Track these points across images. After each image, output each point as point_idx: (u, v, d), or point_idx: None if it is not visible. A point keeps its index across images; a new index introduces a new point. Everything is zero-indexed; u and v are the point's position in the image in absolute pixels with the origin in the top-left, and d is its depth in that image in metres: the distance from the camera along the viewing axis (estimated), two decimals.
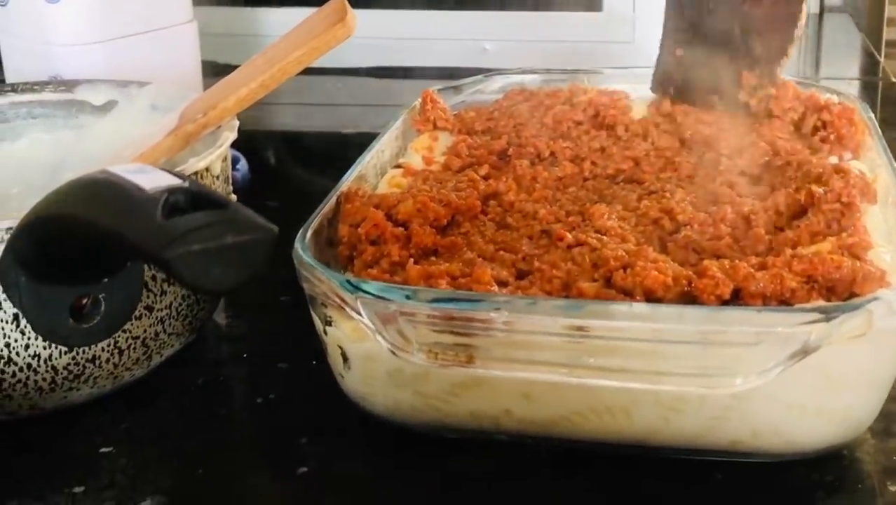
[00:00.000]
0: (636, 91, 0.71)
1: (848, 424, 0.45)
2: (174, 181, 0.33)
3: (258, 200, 0.76)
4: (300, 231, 0.49)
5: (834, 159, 0.59)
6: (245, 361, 0.57)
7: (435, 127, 0.68)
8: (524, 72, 0.76)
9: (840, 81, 1.12)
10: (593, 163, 0.61)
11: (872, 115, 0.63)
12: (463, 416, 0.46)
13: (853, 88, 1.10)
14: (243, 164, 0.78)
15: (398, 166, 0.62)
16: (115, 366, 0.51)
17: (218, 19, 1.08)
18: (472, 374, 0.44)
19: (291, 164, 0.91)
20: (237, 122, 0.58)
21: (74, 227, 0.35)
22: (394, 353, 0.43)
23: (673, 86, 0.67)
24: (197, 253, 0.30)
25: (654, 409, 0.43)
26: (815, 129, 0.63)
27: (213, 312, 0.58)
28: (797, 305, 0.42)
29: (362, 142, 0.62)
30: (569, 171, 0.61)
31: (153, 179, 0.33)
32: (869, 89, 1.09)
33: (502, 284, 0.47)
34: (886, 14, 1.34)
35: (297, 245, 0.47)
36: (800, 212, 0.52)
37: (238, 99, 0.56)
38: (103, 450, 0.49)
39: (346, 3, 0.57)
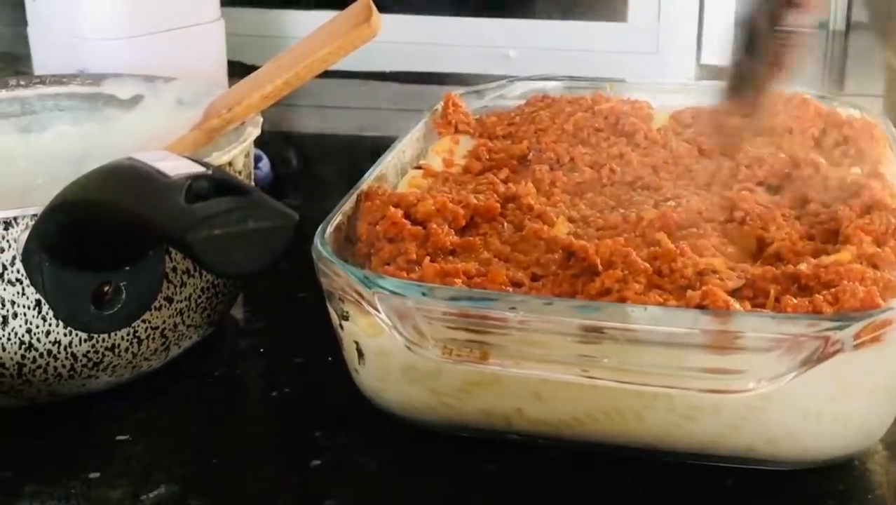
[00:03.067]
0: (658, 101, 0.71)
1: (861, 434, 0.45)
2: (197, 168, 0.34)
3: (278, 199, 0.77)
4: (320, 227, 0.49)
5: (857, 170, 0.60)
6: (261, 355, 0.57)
7: (456, 130, 0.68)
8: (547, 78, 0.76)
9: (864, 98, 1.12)
10: (612, 169, 0.62)
11: (894, 130, 0.63)
12: (475, 414, 0.47)
13: (877, 105, 1.10)
14: (265, 163, 0.79)
15: (419, 167, 0.63)
16: (134, 355, 0.51)
17: (245, 20, 1.09)
18: (485, 372, 0.44)
19: (312, 165, 0.91)
20: (261, 119, 0.58)
21: (100, 212, 0.36)
22: (409, 348, 0.43)
23: None
24: (219, 237, 0.30)
25: (667, 415, 0.44)
26: (836, 144, 0.63)
27: (231, 305, 0.58)
28: (813, 312, 0.42)
29: (383, 145, 0.63)
30: (587, 177, 0.61)
31: (177, 166, 0.33)
32: (892, 108, 1.09)
33: (517, 284, 0.47)
34: None
35: (317, 240, 0.48)
36: (828, 219, 0.52)
37: (263, 96, 0.57)
38: (119, 438, 0.50)
39: (372, 3, 0.58)
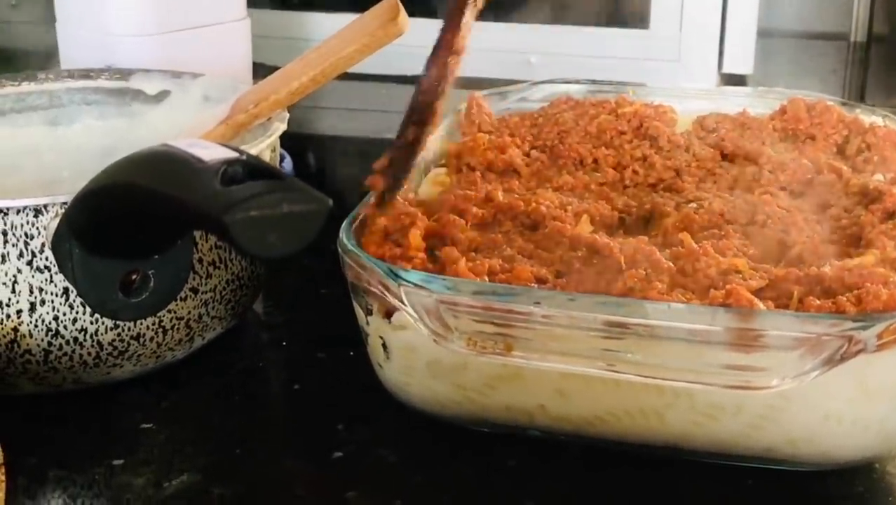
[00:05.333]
0: (682, 106, 0.72)
1: (883, 437, 0.45)
2: (231, 153, 0.34)
3: None
4: (345, 221, 0.50)
5: (879, 176, 0.60)
6: (284, 348, 0.58)
7: (480, 130, 0.69)
8: (570, 81, 0.76)
9: (885, 110, 1.11)
10: (634, 171, 0.62)
11: None
12: (498, 409, 0.47)
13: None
14: (288, 162, 0.80)
15: (442, 165, 0.63)
16: (159, 345, 0.52)
17: (267, 22, 1.09)
18: (509, 367, 0.45)
19: (334, 166, 0.92)
20: (287, 115, 0.59)
21: (136, 196, 0.36)
22: (435, 340, 0.44)
23: None
24: (254, 219, 0.31)
25: (688, 414, 0.44)
26: (859, 151, 0.63)
27: (255, 298, 0.59)
28: (837, 311, 0.42)
29: None
30: (610, 178, 0.61)
31: (211, 152, 0.34)
32: None
33: (541, 281, 0.48)
34: None
35: (343, 233, 0.48)
36: (850, 224, 0.52)
37: (290, 92, 0.58)
38: (143, 426, 0.50)
39: (399, 2, 0.58)
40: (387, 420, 0.50)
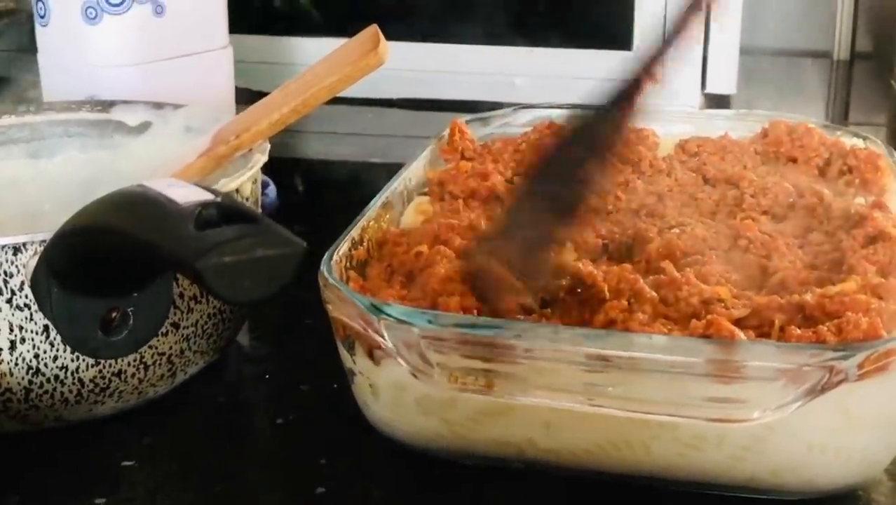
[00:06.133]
0: (664, 129, 0.72)
1: (866, 465, 0.45)
2: (207, 196, 0.34)
3: (285, 225, 0.78)
4: (326, 253, 0.49)
5: (860, 200, 0.60)
6: (267, 381, 0.57)
7: (462, 157, 0.69)
8: (552, 106, 0.76)
9: (868, 128, 1.12)
10: (617, 197, 0.62)
11: None
12: (487, 443, 0.47)
13: (881, 136, 1.10)
14: (272, 190, 0.79)
15: (424, 193, 0.63)
16: (140, 381, 0.51)
17: (252, 47, 1.09)
18: (498, 402, 0.44)
19: (319, 192, 0.92)
20: (269, 146, 0.59)
21: (110, 238, 0.36)
22: (415, 376, 0.44)
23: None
24: (228, 264, 0.31)
25: (672, 445, 0.44)
26: (841, 173, 0.63)
27: (237, 332, 0.59)
28: (818, 341, 0.42)
29: (390, 172, 0.63)
30: (594, 205, 0.61)
31: (186, 194, 0.34)
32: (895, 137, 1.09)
33: (527, 311, 0.48)
34: None
35: (323, 267, 0.48)
36: (832, 249, 0.52)
37: (270, 123, 0.58)
38: (125, 463, 0.50)
39: (379, 32, 0.58)
40: (371, 454, 0.50)
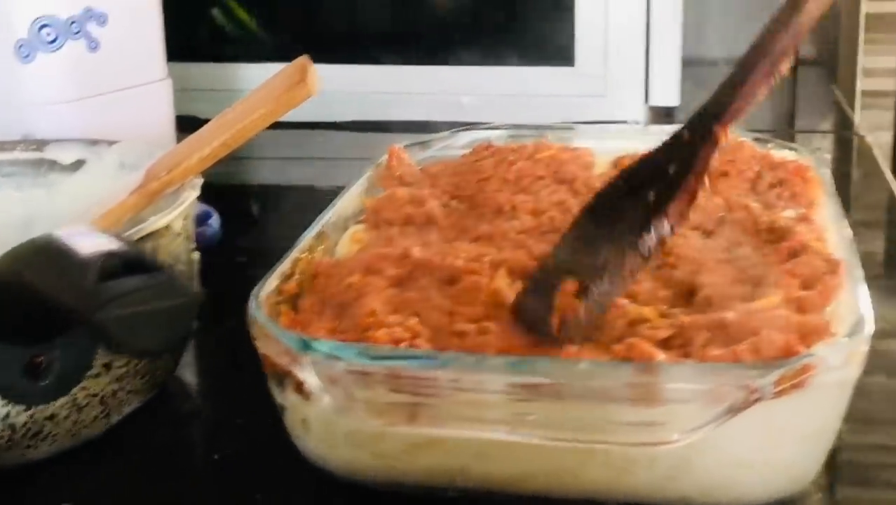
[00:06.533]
0: (603, 146, 0.72)
1: (793, 478, 0.45)
2: (111, 245, 0.34)
3: (228, 255, 0.78)
4: (254, 289, 0.49)
5: (790, 213, 0.60)
6: (204, 417, 0.57)
7: (402, 183, 0.69)
8: (491, 127, 0.77)
9: (814, 135, 1.13)
10: (552, 217, 0.62)
11: (829, 171, 0.64)
12: (419, 474, 0.47)
13: (827, 142, 1.11)
14: (215, 220, 0.79)
15: (361, 222, 0.63)
16: (74, 423, 0.51)
17: (196, 74, 1.10)
18: (427, 433, 0.45)
19: (264, 219, 0.92)
20: (200, 181, 0.59)
21: (15, 289, 0.36)
22: (339, 412, 0.44)
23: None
24: (125, 317, 0.31)
25: (604, 469, 0.44)
26: (771, 186, 0.64)
27: (173, 369, 0.59)
28: (734, 361, 0.43)
29: (336, 196, 0.63)
30: (528, 225, 0.62)
31: (92, 243, 0.34)
32: (842, 143, 1.11)
33: (461, 335, 0.48)
34: (861, 65, 1.36)
35: (251, 304, 0.48)
36: (757, 263, 0.53)
37: (201, 157, 0.58)
38: None
39: (309, 62, 0.59)
40: (306, 487, 0.50)
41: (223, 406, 0.58)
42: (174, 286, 0.32)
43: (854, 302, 0.46)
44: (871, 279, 0.49)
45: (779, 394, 0.41)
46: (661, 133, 0.76)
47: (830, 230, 0.56)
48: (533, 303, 0.47)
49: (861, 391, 0.45)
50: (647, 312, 0.48)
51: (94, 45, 0.76)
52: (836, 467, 0.48)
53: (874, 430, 0.53)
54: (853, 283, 0.48)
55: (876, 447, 0.53)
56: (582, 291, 0.46)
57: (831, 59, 1.32)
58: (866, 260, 0.52)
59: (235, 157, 0.60)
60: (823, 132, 1.15)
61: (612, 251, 0.47)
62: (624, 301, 0.49)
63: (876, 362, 0.44)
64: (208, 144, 0.58)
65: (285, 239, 0.81)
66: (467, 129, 0.76)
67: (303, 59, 0.59)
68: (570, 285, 0.46)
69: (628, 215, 0.48)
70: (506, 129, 0.77)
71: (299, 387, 0.46)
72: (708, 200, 0.61)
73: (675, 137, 0.50)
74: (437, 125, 0.83)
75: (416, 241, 0.59)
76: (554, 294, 0.46)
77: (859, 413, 0.46)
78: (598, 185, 0.66)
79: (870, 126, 1.65)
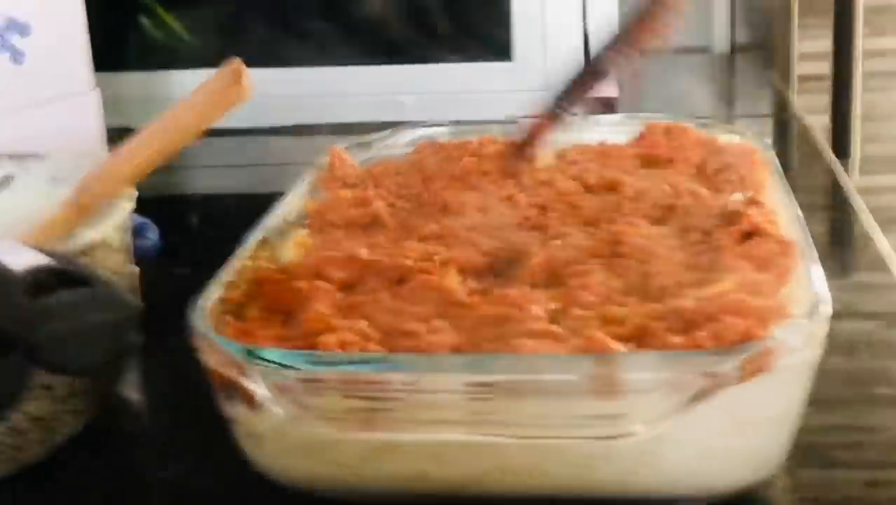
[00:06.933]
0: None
1: (759, 464, 0.45)
2: (41, 260, 0.32)
3: (169, 268, 0.76)
4: (198, 301, 0.48)
5: (738, 196, 0.60)
6: (152, 436, 0.55)
7: (344, 185, 0.67)
8: (433, 124, 0.76)
9: (754, 119, 1.14)
10: (500, 212, 0.61)
11: (773, 154, 0.64)
12: (378, 480, 0.45)
13: (767, 126, 1.12)
14: (153, 231, 0.77)
15: (304, 226, 0.62)
16: (15, 448, 0.49)
17: (127, 82, 1.07)
18: (384, 438, 0.43)
19: (205, 229, 0.89)
20: (135, 193, 0.57)
21: None
22: (292, 422, 0.42)
23: None
24: (61, 333, 0.29)
25: (564, 466, 0.43)
26: (718, 171, 0.63)
27: (117, 385, 0.56)
28: (695, 348, 0.42)
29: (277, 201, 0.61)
30: (477, 221, 0.61)
31: (22, 258, 0.32)
32: (781, 127, 1.12)
33: (413, 335, 0.46)
34: (796, 50, 1.37)
35: (193, 315, 0.46)
36: (709, 248, 0.52)
37: (134, 169, 0.56)
38: None
39: (242, 66, 0.57)
40: (262, 501, 0.48)
41: (171, 423, 0.56)
42: (112, 298, 0.31)
43: (809, 283, 0.46)
44: (820, 259, 0.48)
45: (742, 379, 0.40)
46: (602, 123, 0.76)
47: (781, 212, 0.55)
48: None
49: (818, 373, 0.44)
50: (611, 309, 0.47)
51: (19, 58, 0.73)
52: (798, 451, 0.48)
53: (833, 411, 0.53)
54: (807, 263, 0.48)
55: (836, 428, 0.52)
56: None
57: (767, 45, 1.33)
58: (814, 239, 0.51)
59: (172, 167, 0.58)
60: (763, 116, 1.16)
61: None
62: (582, 294, 0.49)
63: (830, 343, 0.44)
64: (141, 154, 0.56)
65: (227, 248, 0.79)
66: (409, 128, 0.75)
67: (235, 63, 0.57)
68: None
69: None
70: (448, 126, 0.75)
71: (248, 398, 0.44)
72: (656, 188, 0.60)
73: None
74: (379, 126, 0.82)
75: (362, 243, 0.58)
76: None
77: (817, 395, 0.45)
78: (546, 178, 0.65)
79: (807, 109, 1.67)
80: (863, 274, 0.75)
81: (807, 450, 0.50)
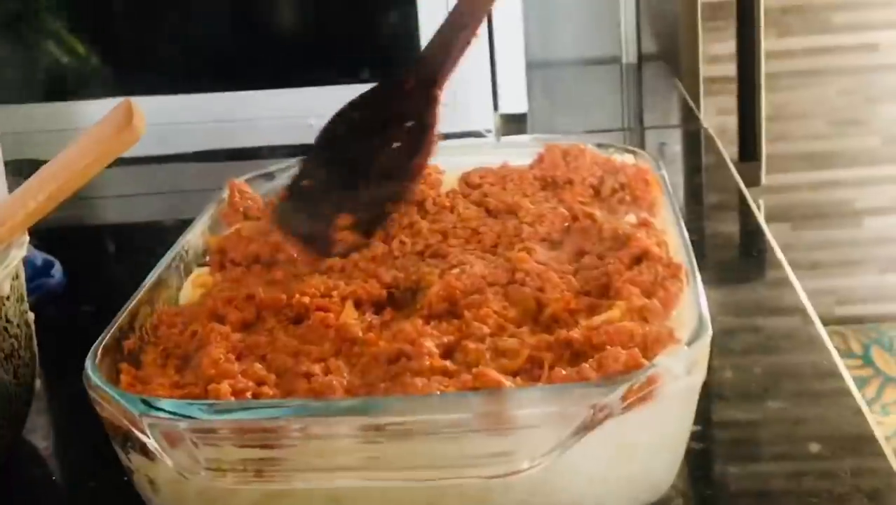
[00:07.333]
0: (450, 162, 0.72)
1: (650, 487, 0.46)
2: None
3: (74, 305, 0.75)
4: (91, 349, 0.47)
5: (632, 217, 0.61)
6: (56, 483, 0.55)
7: (246, 217, 0.67)
8: None
9: (663, 130, 1.16)
10: (402, 241, 0.61)
11: (665, 174, 0.65)
12: None
13: (675, 135, 1.14)
14: (57, 269, 0.76)
15: (204, 264, 0.61)
16: None
17: (31, 115, 1.05)
18: (279, 486, 0.43)
19: (111, 262, 0.88)
20: (27, 239, 0.56)
21: None
22: (181, 474, 0.42)
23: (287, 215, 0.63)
24: None
25: (460, 501, 0.43)
26: (614, 191, 0.64)
27: (18, 432, 0.56)
28: (577, 381, 0.43)
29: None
30: (379, 252, 0.61)
31: None
32: (689, 136, 1.14)
33: (308, 376, 0.47)
34: (703, 53, 1.39)
35: (87, 364, 0.46)
36: (601, 273, 0.53)
37: (27, 213, 0.55)
38: None
39: (133, 104, 0.56)
40: None
41: (75, 469, 0.55)
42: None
43: (695, 306, 0.47)
44: (723, 268, 0.49)
45: (627, 409, 0.41)
46: (507, 145, 0.77)
47: (671, 232, 0.57)
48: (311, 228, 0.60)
49: (711, 385, 0.45)
50: (504, 341, 0.48)
51: None
52: (691, 469, 0.49)
53: (729, 409, 0.54)
54: (693, 285, 0.49)
55: (726, 442, 0.54)
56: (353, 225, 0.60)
57: (674, 54, 1.35)
58: (718, 249, 0.53)
59: (79, 198, 0.57)
60: (672, 126, 1.18)
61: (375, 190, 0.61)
62: (476, 325, 0.49)
63: (729, 343, 0.45)
64: (33, 199, 0.55)
65: (135, 281, 0.78)
66: None
67: (126, 102, 0.56)
68: (344, 220, 0.60)
69: (381, 160, 0.62)
70: None
71: (143, 448, 0.44)
72: (553, 210, 0.61)
73: (396, 91, 0.64)
74: (288, 150, 0.82)
75: (263, 279, 0.58)
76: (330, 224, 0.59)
77: (715, 395, 0.46)
78: (448, 203, 0.66)
79: (717, 111, 1.70)
80: (762, 282, 0.77)
81: (700, 467, 0.51)
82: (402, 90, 0.64)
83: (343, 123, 0.66)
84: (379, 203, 0.61)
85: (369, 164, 0.62)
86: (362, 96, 0.66)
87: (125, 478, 0.50)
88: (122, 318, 0.51)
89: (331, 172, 0.64)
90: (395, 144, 0.62)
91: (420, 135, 0.62)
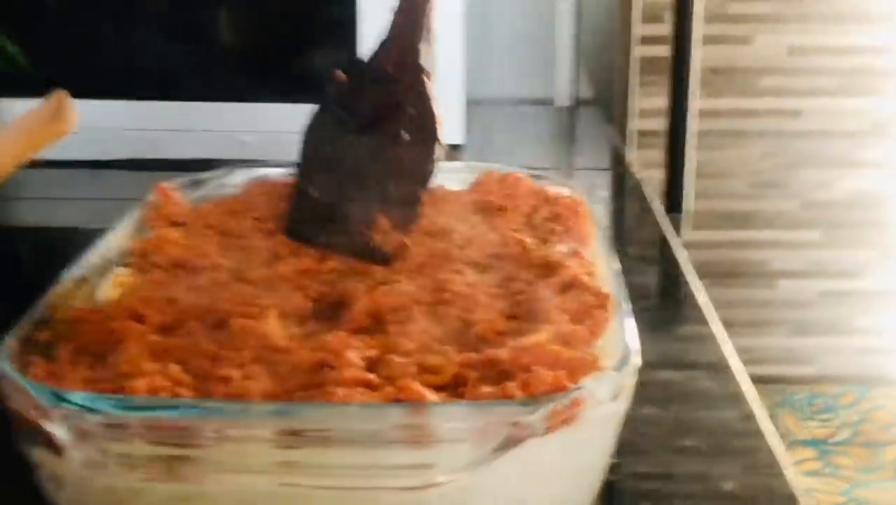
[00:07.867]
0: None
1: None
2: None
3: None
4: (3, 341, 0.46)
5: (563, 248, 0.61)
6: None
7: (171, 223, 0.66)
8: (271, 164, 0.75)
9: (591, 173, 1.17)
10: (330, 256, 0.61)
11: (600, 207, 0.66)
12: None
13: (603, 179, 1.15)
14: None
15: (125, 265, 0.60)
16: None
17: None
18: (190, 487, 0.42)
19: (32, 266, 0.86)
20: None
21: None
22: (88, 470, 0.41)
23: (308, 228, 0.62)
24: None
25: None
26: (546, 221, 0.65)
27: None
28: (500, 399, 0.42)
29: None
30: (306, 266, 0.60)
31: None
32: (616, 180, 1.15)
33: (226, 380, 0.46)
34: (636, 106, 1.42)
35: None
36: (529, 298, 0.53)
37: None
38: None
39: (66, 98, 0.55)
40: None
41: None
42: None
43: (622, 335, 0.47)
44: (643, 311, 0.50)
45: (549, 429, 0.41)
46: (444, 170, 0.77)
47: (600, 264, 0.57)
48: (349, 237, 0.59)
49: (631, 422, 0.45)
50: (425, 356, 0.47)
51: None
52: (609, 499, 0.49)
53: (644, 460, 0.55)
54: (621, 316, 0.49)
55: (646, 476, 0.54)
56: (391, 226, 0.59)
57: (608, 100, 1.38)
58: (639, 292, 0.53)
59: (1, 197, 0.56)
60: (602, 169, 1.19)
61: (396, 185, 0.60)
62: (401, 341, 0.49)
63: (645, 393, 0.45)
64: None
65: (51, 284, 0.76)
66: (245, 167, 0.74)
67: (59, 94, 0.55)
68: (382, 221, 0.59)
69: (389, 152, 0.60)
70: (286, 166, 0.75)
71: (50, 442, 0.43)
72: (484, 236, 0.61)
73: (376, 81, 0.61)
74: (219, 164, 0.80)
75: (186, 284, 0.57)
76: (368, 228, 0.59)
77: (630, 444, 0.46)
78: None
79: (645, 163, 1.73)
80: (683, 326, 0.78)
81: (617, 498, 0.51)
82: (383, 77, 0.61)
83: (329, 125, 0.63)
84: (406, 197, 0.60)
85: (377, 159, 0.60)
86: (339, 91, 0.62)
87: (30, 477, 0.49)
88: (37, 310, 0.50)
89: (337, 176, 0.61)
90: (400, 134, 0.60)
91: (422, 120, 0.60)
